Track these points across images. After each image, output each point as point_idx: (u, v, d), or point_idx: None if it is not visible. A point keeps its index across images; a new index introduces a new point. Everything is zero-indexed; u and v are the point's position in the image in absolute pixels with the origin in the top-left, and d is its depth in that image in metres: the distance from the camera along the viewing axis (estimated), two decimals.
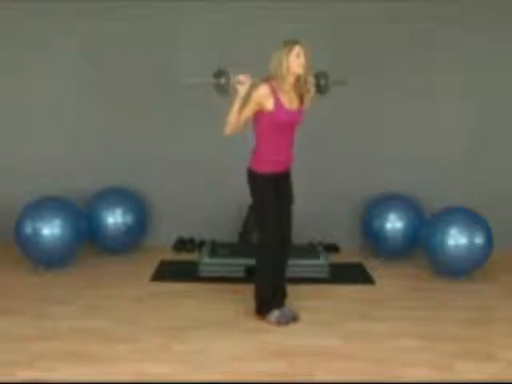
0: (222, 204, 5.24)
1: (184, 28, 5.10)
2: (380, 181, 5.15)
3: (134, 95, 5.17)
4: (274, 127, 3.41)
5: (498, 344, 3.32)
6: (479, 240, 4.26)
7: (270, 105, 3.35)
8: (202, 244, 5.19)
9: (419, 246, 4.66)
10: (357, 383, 2.87)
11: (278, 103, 3.36)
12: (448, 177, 5.21)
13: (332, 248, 5.16)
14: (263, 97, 3.34)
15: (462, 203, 4.56)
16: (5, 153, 5.27)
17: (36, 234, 4.36)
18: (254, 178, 3.50)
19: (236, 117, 3.36)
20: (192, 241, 5.25)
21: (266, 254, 3.50)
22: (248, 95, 3.34)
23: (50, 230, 4.38)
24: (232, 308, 3.80)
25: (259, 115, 3.39)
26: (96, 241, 4.94)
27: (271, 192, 3.48)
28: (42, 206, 4.49)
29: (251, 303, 3.66)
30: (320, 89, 3.63)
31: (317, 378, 2.91)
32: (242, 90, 3.36)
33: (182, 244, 5.21)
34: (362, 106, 5.15)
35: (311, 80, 3.53)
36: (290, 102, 3.42)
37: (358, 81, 5.10)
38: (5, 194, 5.22)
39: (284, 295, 3.66)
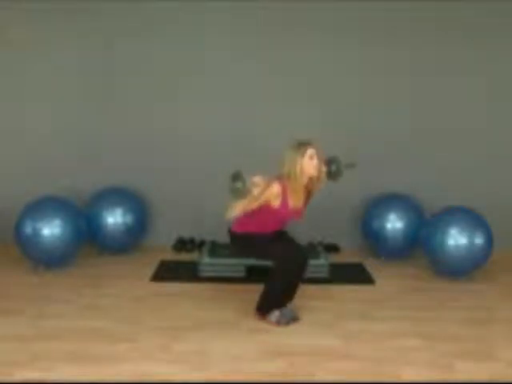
0: (222, 204, 5.21)
1: (184, 26, 5.10)
2: (380, 181, 5.15)
3: (134, 95, 5.17)
4: (271, 218, 3.51)
5: (498, 344, 3.32)
6: (479, 240, 4.26)
7: (276, 203, 3.43)
8: (201, 244, 5.19)
9: (419, 246, 4.66)
10: (357, 383, 2.87)
11: (284, 203, 3.44)
12: (448, 177, 5.21)
13: (332, 248, 5.16)
14: (274, 197, 3.40)
15: (462, 203, 4.56)
16: (5, 153, 5.28)
17: (36, 234, 4.36)
18: (237, 238, 3.59)
19: (242, 209, 3.39)
20: (192, 241, 5.25)
21: (284, 269, 3.47)
22: (260, 192, 3.34)
23: (50, 230, 4.38)
24: (232, 308, 3.80)
25: (263, 206, 3.44)
26: (96, 241, 4.94)
27: (262, 240, 3.54)
28: (42, 205, 4.49)
29: (251, 303, 3.66)
30: (331, 176, 3.59)
31: (317, 378, 2.91)
32: (256, 191, 3.35)
33: (182, 244, 5.21)
34: (361, 106, 5.15)
35: (323, 169, 3.53)
36: (296, 200, 3.46)
37: (357, 80, 5.12)
38: (5, 194, 5.22)
39: (289, 299, 3.65)
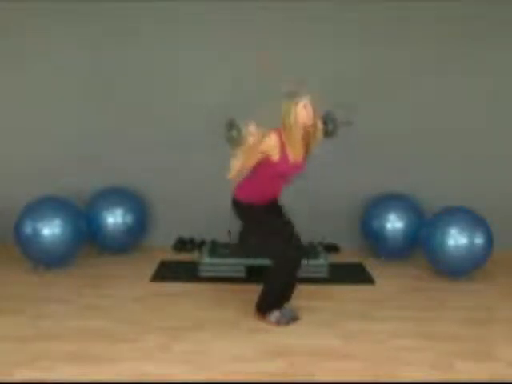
0: (222, 204, 5.21)
1: (184, 26, 5.10)
2: (380, 181, 5.15)
3: (134, 95, 5.17)
4: (272, 175, 3.46)
5: (498, 344, 3.32)
6: (479, 240, 4.26)
7: (275, 156, 3.37)
8: (202, 244, 5.19)
9: (419, 246, 4.66)
10: (357, 383, 2.87)
11: (283, 156, 3.38)
12: (448, 177, 5.21)
13: (332, 248, 5.16)
14: (271, 148, 3.34)
15: (462, 203, 4.56)
16: (5, 153, 5.28)
17: (36, 234, 4.36)
18: (241, 206, 3.53)
19: (241, 164, 3.36)
20: (192, 241, 5.25)
21: (281, 267, 3.47)
22: (256, 144, 3.33)
23: (50, 229, 4.38)
24: (232, 308, 3.80)
25: (262, 161, 3.40)
26: (96, 241, 4.94)
27: (267, 215, 3.51)
28: (42, 205, 4.49)
29: (251, 303, 3.66)
30: (328, 133, 3.61)
31: (316, 378, 2.91)
32: (252, 141, 3.34)
33: (182, 244, 5.21)
34: (361, 106, 5.15)
35: (319, 126, 3.53)
36: (295, 154, 3.42)
37: (357, 80, 5.12)
38: (5, 194, 5.22)
39: (288, 298, 3.65)
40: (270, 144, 3.33)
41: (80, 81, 5.18)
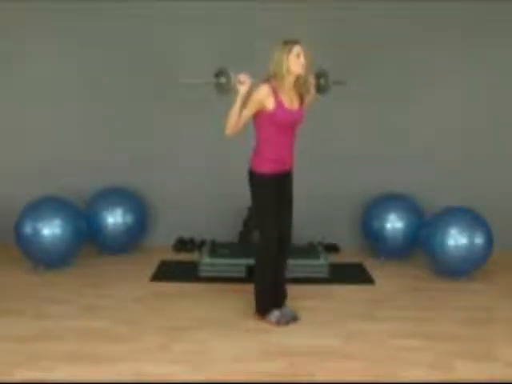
0: (222, 204, 5.24)
1: (184, 26, 5.10)
2: (380, 181, 5.15)
3: (134, 95, 5.17)
4: (274, 127, 3.39)
5: (498, 344, 3.31)
6: (479, 240, 4.26)
7: (270, 104, 3.33)
8: (202, 244, 5.19)
9: (419, 246, 4.66)
10: (357, 383, 2.87)
11: (278, 103, 3.35)
12: (448, 177, 5.21)
13: (332, 248, 5.16)
14: (264, 96, 3.32)
15: (462, 203, 4.56)
16: (5, 153, 5.28)
17: (36, 234, 4.36)
18: (255, 178, 3.48)
19: (236, 117, 3.34)
20: (192, 241, 5.25)
21: (264, 254, 3.49)
22: (248, 95, 3.33)
23: (50, 229, 4.38)
24: (232, 308, 3.80)
25: (260, 115, 3.38)
26: (96, 241, 4.94)
27: (272, 193, 3.46)
28: (42, 205, 4.49)
29: (251, 303, 3.66)
30: (320, 88, 3.64)
31: (317, 378, 2.90)
32: (242, 89, 3.34)
33: (182, 244, 5.21)
34: (362, 106, 5.16)
35: (311, 80, 3.54)
36: (290, 101, 3.41)
37: (358, 81, 5.11)
38: (5, 194, 5.22)
39: (284, 295, 3.66)
40: (262, 93, 3.31)
41: (80, 81, 5.18)
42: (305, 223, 4.85)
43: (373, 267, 4.74)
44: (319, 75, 3.63)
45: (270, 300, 3.57)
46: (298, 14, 5.03)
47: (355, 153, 5.20)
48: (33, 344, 3.23)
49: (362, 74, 5.07)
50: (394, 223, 4.78)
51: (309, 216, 5.08)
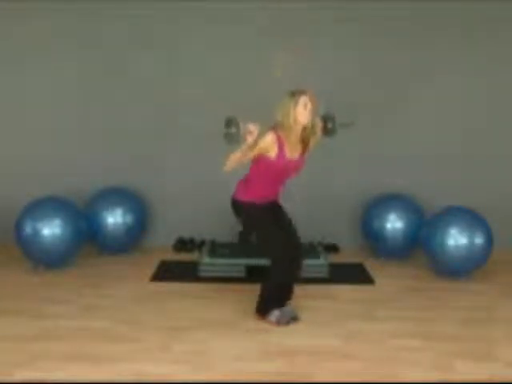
0: (222, 204, 5.21)
1: (184, 28, 5.10)
2: (380, 181, 5.15)
3: (134, 95, 5.17)
4: (270, 172, 3.46)
5: (497, 344, 3.31)
6: (479, 240, 4.26)
7: (272, 153, 3.38)
8: (202, 244, 5.19)
9: (419, 245, 4.66)
10: (357, 383, 2.87)
11: (280, 153, 3.39)
12: (448, 177, 5.21)
13: (332, 248, 5.16)
14: (269, 145, 3.35)
15: (462, 203, 4.56)
16: (5, 153, 5.28)
17: (36, 234, 4.36)
18: (241, 206, 3.53)
19: (238, 160, 3.36)
20: (192, 241, 5.25)
21: (280, 264, 3.48)
22: (254, 142, 3.32)
23: (50, 229, 4.38)
24: (232, 308, 3.80)
25: (259, 158, 3.41)
26: (96, 241, 4.94)
27: (265, 214, 3.51)
28: (42, 205, 4.49)
29: (251, 303, 3.66)
30: (327, 132, 3.61)
31: (317, 378, 2.90)
32: (250, 139, 3.32)
33: (182, 244, 5.21)
34: (361, 106, 5.15)
35: (318, 123, 3.54)
36: (292, 151, 3.43)
37: (358, 81, 5.12)
38: (5, 194, 5.22)
39: (288, 298, 3.65)
40: (268, 141, 3.33)
41: (80, 81, 5.18)
42: (305, 223, 4.83)
43: (373, 267, 4.74)
44: (326, 119, 3.60)
45: (274, 302, 3.57)
46: (298, 13, 5.03)
47: (355, 152, 5.20)
48: (33, 344, 3.23)
49: (361, 74, 5.08)
50: (393, 223, 4.78)
51: (309, 216, 5.08)
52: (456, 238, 4.26)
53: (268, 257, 3.56)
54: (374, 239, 4.93)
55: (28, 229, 4.38)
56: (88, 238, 4.78)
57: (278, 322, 3.51)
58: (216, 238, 5.08)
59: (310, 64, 5.03)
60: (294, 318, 3.58)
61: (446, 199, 4.77)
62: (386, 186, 5.07)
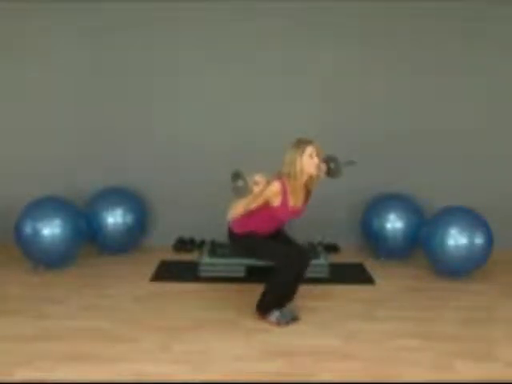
0: (222, 204, 5.21)
1: (184, 27, 5.10)
2: (380, 181, 5.15)
3: (133, 95, 5.17)
4: (271, 218, 3.51)
5: (497, 344, 3.32)
6: (479, 240, 4.26)
7: (276, 203, 3.42)
8: (202, 244, 5.19)
9: (419, 245, 4.66)
10: (357, 383, 2.87)
11: (284, 202, 3.43)
12: (448, 177, 5.21)
13: (332, 248, 5.16)
14: (273, 195, 3.39)
15: (462, 203, 4.56)
16: (5, 153, 5.28)
17: (36, 233, 4.36)
18: (238, 238, 3.58)
19: (243, 210, 3.40)
20: (192, 241, 5.25)
21: (287, 269, 3.48)
22: (260, 191, 3.35)
23: (50, 229, 4.38)
24: (232, 308, 3.80)
25: (262, 205, 3.44)
26: (96, 241, 4.94)
27: (261, 238, 3.55)
28: (42, 205, 4.49)
29: (251, 303, 3.66)
30: (330, 173, 3.61)
31: (317, 378, 2.91)
32: (257, 189, 3.36)
33: (182, 244, 5.21)
34: (361, 106, 5.16)
35: (322, 167, 3.54)
36: (296, 200, 3.46)
37: (358, 81, 5.12)
38: (5, 194, 5.22)
39: (290, 299, 3.65)
40: (273, 191, 3.38)
41: (80, 81, 5.18)
42: (305, 223, 4.84)
43: (373, 267, 4.74)
44: (329, 160, 3.59)
45: (276, 302, 3.57)
46: (298, 14, 5.03)
47: (355, 152, 5.18)
48: (33, 344, 3.23)
49: (361, 74, 5.08)
50: (393, 223, 4.77)
51: (309, 216, 5.06)
52: (456, 238, 4.26)
53: (277, 266, 3.53)
54: (374, 239, 4.93)
55: (28, 229, 4.38)
56: (88, 238, 4.78)
57: (278, 322, 3.51)
58: (216, 238, 5.08)
59: (309, 63, 5.04)
60: (294, 318, 3.58)
61: (446, 199, 4.77)
62: (386, 185, 5.07)
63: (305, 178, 3.46)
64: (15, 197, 4.88)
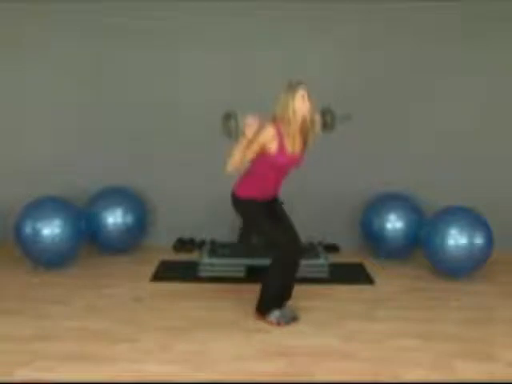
0: (222, 204, 5.22)
1: (186, 26, 5.09)
2: (380, 181, 5.15)
3: (134, 95, 5.17)
4: (271, 167, 3.45)
5: (498, 344, 3.31)
6: (479, 240, 4.26)
7: (273, 148, 3.37)
8: (202, 244, 5.19)
9: (419, 246, 4.66)
10: (357, 383, 2.87)
11: (280, 147, 3.37)
12: (448, 177, 5.21)
13: (332, 248, 5.16)
14: (268, 140, 3.34)
15: (462, 203, 4.56)
16: (5, 153, 5.28)
17: (36, 233, 4.36)
18: (241, 203, 3.54)
19: (239, 157, 3.36)
20: (192, 241, 5.25)
21: (280, 263, 3.49)
22: (254, 136, 3.32)
23: (50, 229, 4.38)
24: (232, 308, 3.80)
25: (260, 154, 3.40)
26: (96, 241, 4.94)
27: (263, 211, 3.52)
28: (42, 205, 4.49)
29: (251, 303, 3.66)
30: (326, 126, 3.61)
31: (317, 378, 2.91)
32: (249, 132, 3.33)
33: (182, 244, 5.21)
34: (361, 106, 5.15)
35: (317, 118, 3.53)
36: (293, 145, 3.42)
37: (357, 80, 5.12)
38: (5, 194, 5.22)
39: (288, 298, 3.66)
40: (268, 136, 3.32)
41: (80, 80, 5.18)
42: (305, 223, 4.83)
43: (373, 267, 4.74)
44: (324, 113, 3.60)
45: (274, 302, 3.57)
46: (298, 13, 5.03)
47: (355, 152, 5.20)
48: (33, 344, 3.23)
49: (361, 74, 5.07)
50: (394, 223, 4.77)
51: (309, 216, 5.08)
52: (456, 238, 4.26)
53: (269, 252, 3.56)
54: (374, 239, 4.93)
55: (28, 229, 4.38)
56: (88, 238, 4.78)
57: (279, 322, 3.51)
58: (216, 238, 5.08)
59: (311, 57, 5.04)
60: (294, 319, 3.58)
61: (446, 199, 4.76)
62: (386, 185, 5.07)
63: (299, 121, 3.38)
64: (15, 197, 4.89)
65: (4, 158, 5.28)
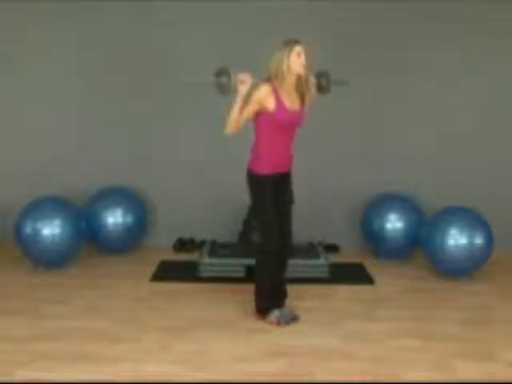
0: (222, 204, 5.24)
1: (184, 26, 5.10)
2: (380, 181, 5.15)
3: (134, 95, 5.17)
4: (274, 128, 3.38)
5: (498, 344, 3.31)
6: (479, 240, 4.26)
7: (271, 105, 3.32)
8: (202, 244, 5.19)
9: (419, 245, 4.66)
10: (357, 383, 2.87)
11: (279, 103, 3.34)
12: (448, 177, 5.21)
13: (332, 248, 5.16)
14: (264, 96, 3.30)
15: (462, 203, 4.56)
16: (5, 153, 5.28)
17: (36, 233, 4.36)
18: (253, 178, 3.48)
19: (236, 117, 3.34)
20: (192, 241, 5.25)
21: (265, 254, 3.49)
22: (249, 95, 3.31)
23: (50, 229, 4.38)
24: (232, 308, 3.80)
25: (260, 115, 3.37)
26: (96, 241, 4.94)
27: (271, 194, 3.46)
28: (42, 205, 4.49)
29: (251, 303, 3.66)
30: (321, 88, 3.63)
31: (317, 378, 2.90)
32: (243, 89, 3.33)
33: (182, 244, 5.21)
34: (362, 106, 5.16)
35: (312, 80, 3.53)
36: (291, 102, 3.39)
37: (358, 81, 5.11)
38: (4, 195, 5.22)
39: (284, 295, 3.66)
40: (262, 93, 3.30)
41: (80, 80, 5.18)
42: (305, 223, 4.85)
43: (373, 267, 4.74)
44: (320, 75, 3.62)
45: (270, 300, 3.57)
46: (298, 13, 5.03)
47: (355, 152, 5.21)
48: (33, 344, 3.23)
49: (362, 74, 5.07)
50: (394, 223, 4.77)
51: (309, 216, 5.08)
52: (456, 238, 4.26)
53: (258, 231, 3.57)
54: (374, 239, 4.93)
55: (28, 229, 4.38)
56: (88, 238, 4.78)
57: (278, 323, 3.51)
58: (216, 238, 5.08)
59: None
60: (293, 318, 3.58)
61: (446, 199, 4.77)
62: (386, 186, 5.07)
63: (293, 78, 3.35)
64: (15, 197, 4.89)
65: (4, 158, 5.28)
